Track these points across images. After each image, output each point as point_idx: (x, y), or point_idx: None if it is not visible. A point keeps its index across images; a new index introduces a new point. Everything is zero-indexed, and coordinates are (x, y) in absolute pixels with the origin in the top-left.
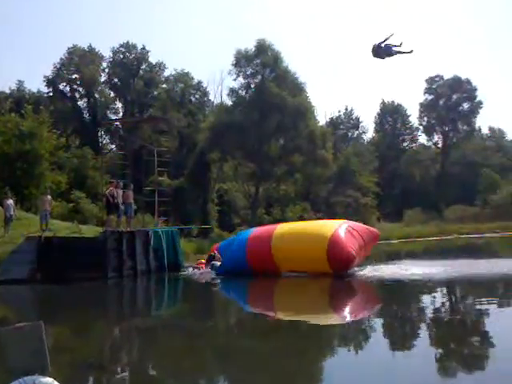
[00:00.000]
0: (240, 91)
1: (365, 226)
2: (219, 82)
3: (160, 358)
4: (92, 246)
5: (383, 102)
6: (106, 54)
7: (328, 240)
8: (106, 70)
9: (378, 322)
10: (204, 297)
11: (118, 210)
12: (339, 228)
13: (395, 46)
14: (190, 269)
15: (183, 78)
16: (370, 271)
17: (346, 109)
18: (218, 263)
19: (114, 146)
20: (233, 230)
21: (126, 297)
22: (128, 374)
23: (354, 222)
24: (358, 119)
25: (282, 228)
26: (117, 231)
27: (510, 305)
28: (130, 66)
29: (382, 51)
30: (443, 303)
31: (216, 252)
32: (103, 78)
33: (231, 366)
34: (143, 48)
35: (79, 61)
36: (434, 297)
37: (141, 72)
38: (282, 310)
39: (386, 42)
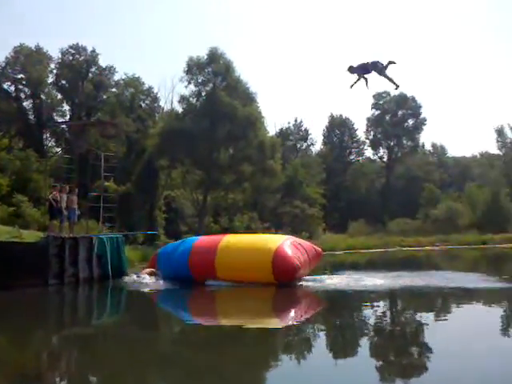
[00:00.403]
0: (191, 99)
1: (310, 243)
2: (170, 88)
3: (99, 368)
4: (33, 251)
5: (332, 116)
6: (55, 54)
7: (273, 252)
8: (54, 71)
9: (315, 330)
10: (145, 306)
11: (61, 214)
12: (285, 241)
13: (375, 63)
14: (133, 276)
15: (133, 82)
16: (313, 282)
17: (296, 120)
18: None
19: (59, 150)
20: (179, 238)
21: (66, 305)
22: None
23: (300, 239)
24: (306, 131)
25: (228, 241)
26: (59, 237)
27: (447, 317)
28: (79, 68)
29: (357, 70)
30: (383, 313)
31: (143, 272)
32: (50, 79)
33: (170, 376)
34: (93, 50)
35: (26, 60)
36: (374, 307)
37: (90, 75)
38: (223, 317)
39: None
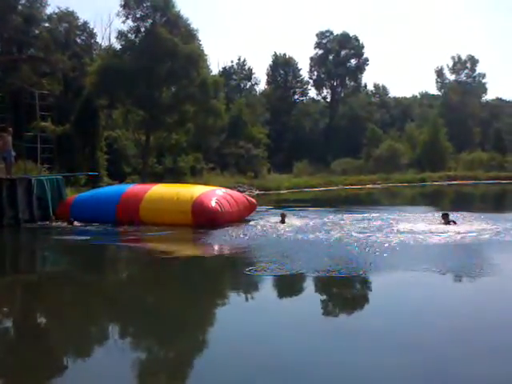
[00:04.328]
0: (129, 35)
1: (243, 195)
2: (107, 23)
3: (47, 312)
4: None
5: (275, 55)
6: None
7: (195, 197)
8: None
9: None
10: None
11: None
12: (211, 190)
13: None
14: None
15: (67, 16)
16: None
17: (239, 59)
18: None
19: None
20: (123, 179)
21: (7, 247)
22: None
23: (233, 191)
24: (250, 70)
25: (156, 188)
26: None
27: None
28: None
29: None
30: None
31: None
32: None
33: (120, 314)
34: None
35: None
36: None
37: (19, 7)
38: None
39: None
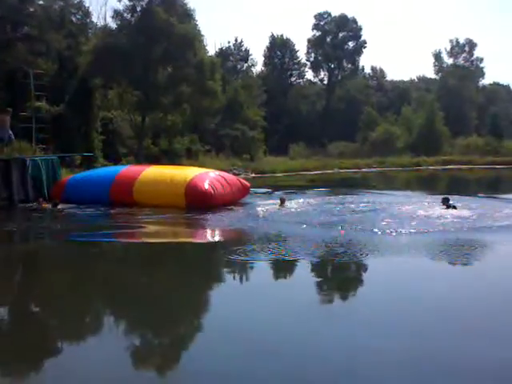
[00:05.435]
0: (125, 14)
1: (237, 177)
2: (103, 2)
3: (41, 293)
4: None
5: (272, 36)
6: None
7: (189, 180)
8: None
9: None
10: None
11: None
12: (205, 173)
13: None
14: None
15: None
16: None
17: (236, 40)
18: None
19: None
20: (119, 161)
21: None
22: None
23: (227, 173)
24: (247, 51)
25: (150, 170)
26: None
27: None
28: None
29: None
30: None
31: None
32: None
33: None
34: None
35: None
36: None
37: None
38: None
39: None
